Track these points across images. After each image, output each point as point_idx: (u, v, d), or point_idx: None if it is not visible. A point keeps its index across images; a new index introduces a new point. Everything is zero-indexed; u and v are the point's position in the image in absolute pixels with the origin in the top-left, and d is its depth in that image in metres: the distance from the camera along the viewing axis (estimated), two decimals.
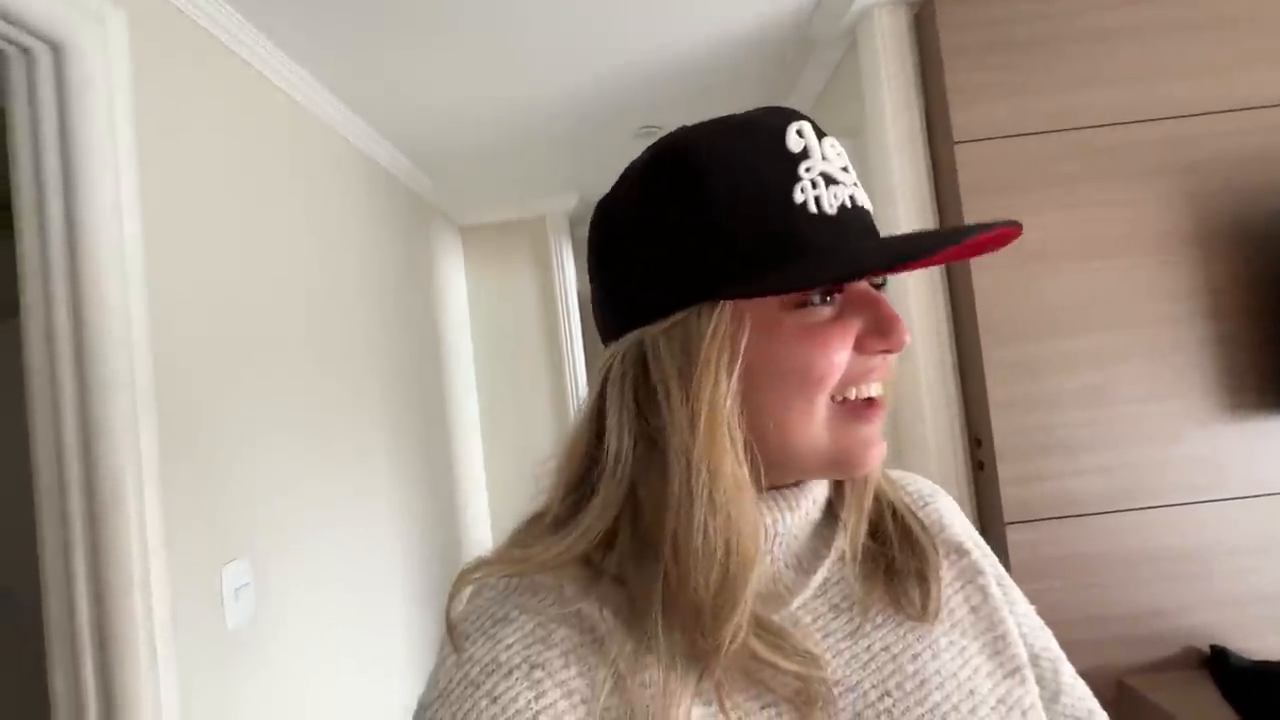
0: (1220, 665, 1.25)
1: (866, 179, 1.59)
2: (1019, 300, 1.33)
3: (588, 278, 0.46)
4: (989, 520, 1.36)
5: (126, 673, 0.90)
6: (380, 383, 1.96)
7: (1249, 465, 1.31)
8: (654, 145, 0.42)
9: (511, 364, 3.06)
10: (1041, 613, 0.51)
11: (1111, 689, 1.29)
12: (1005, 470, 1.32)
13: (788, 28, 1.62)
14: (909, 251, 0.38)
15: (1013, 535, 1.31)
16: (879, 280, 0.43)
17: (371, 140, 2.01)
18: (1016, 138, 1.34)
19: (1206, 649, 1.29)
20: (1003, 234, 0.40)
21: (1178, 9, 1.33)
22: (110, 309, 0.95)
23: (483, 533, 2.90)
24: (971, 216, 1.33)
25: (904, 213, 1.40)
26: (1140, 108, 1.33)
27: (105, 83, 0.99)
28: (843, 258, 0.38)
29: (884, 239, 0.41)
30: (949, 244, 0.37)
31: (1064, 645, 0.50)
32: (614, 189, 0.44)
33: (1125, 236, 1.33)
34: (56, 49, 0.96)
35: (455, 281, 2.95)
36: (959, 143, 1.34)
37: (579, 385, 2.99)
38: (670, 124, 0.43)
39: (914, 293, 1.41)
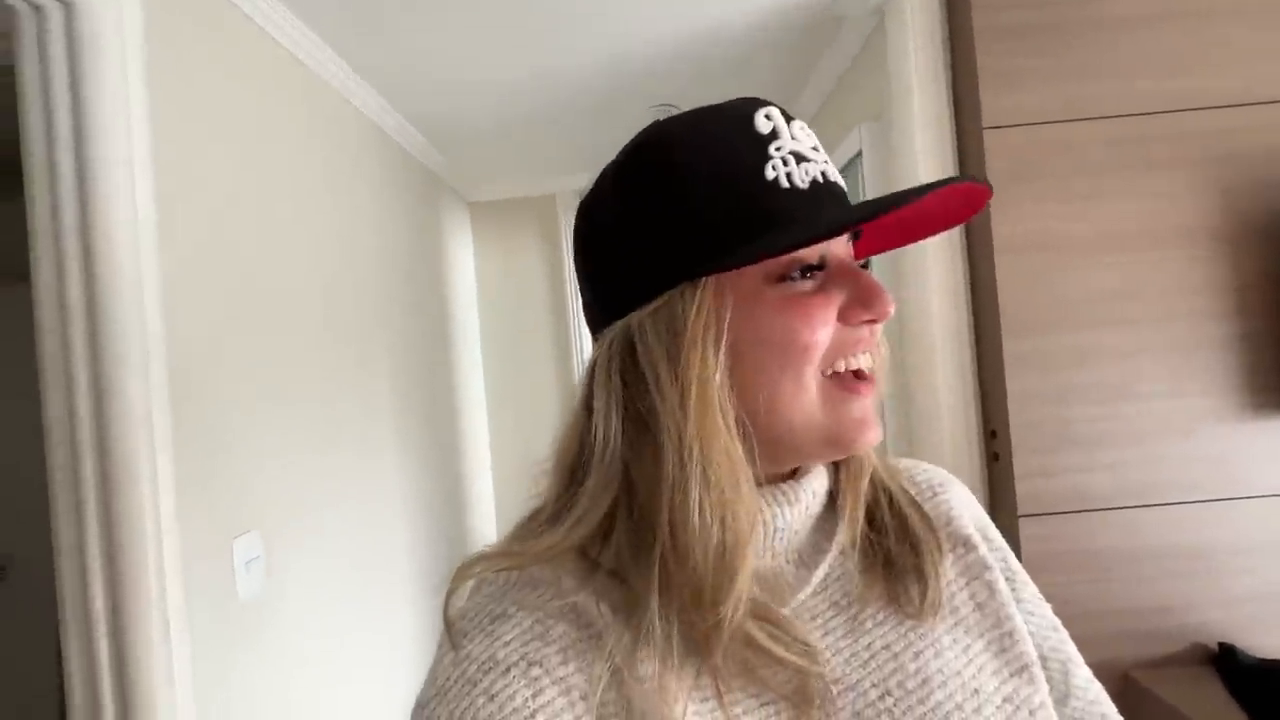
0: (1228, 663, 1.24)
1: (889, 162, 1.56)
2: (1042, 292, 1.31)
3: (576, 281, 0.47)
4: (1002, 513, 1.36)
5: (139, 641, 0.89)
6: (388, 358, 1.95)
7: (1267, 464, 1.30)
8: (629, 142, 0.43)
9: (517, 342, 3.05)
10: (1051, 606, 0.50)
11: (1117, 682, 1.30)
12: (1020, 463, 1.31)
13: (812, 4, 1.58)
14: (873, 209, 0.38)
15: (1025, 528, 1.30)
16: (863, 261, 0.44)
17: (382, 111, 1.97)
18: (1047, 124, 1.31)
19: (1215, 646, 1.29)
20: (975, 196, 0.41)
21: None
22: (122, 268, 0.93)
23: (486, 509, 2.90)
24: (998, 204, 1.31)
25: None
26: (1176, 98, 1.30)
27: (117, 40, 0.96)
28: (812, 224, 0.38)
29: (853, 205, 0.41)
30: (910, 200, 0.37)
31: (1072, 638, 0.48)
32: (594, 188, 0.44)
33: (1153, 229, 1.30)
34: (67, 5, 0.94)
35: (463, 258, 2.93)
36: (988, 128, 1.31)
37: (584, 365, 2.98)
38: (686, 102, 0.43)
39: (935, 282, 1.38)
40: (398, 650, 1.84)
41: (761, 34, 1.69)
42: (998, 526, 0.52)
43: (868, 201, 0.39)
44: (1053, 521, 1.31)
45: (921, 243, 1.38)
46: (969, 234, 1.40)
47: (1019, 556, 1.30)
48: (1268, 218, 1.29)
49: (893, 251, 1.62)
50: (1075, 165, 1.31)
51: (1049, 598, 0.50)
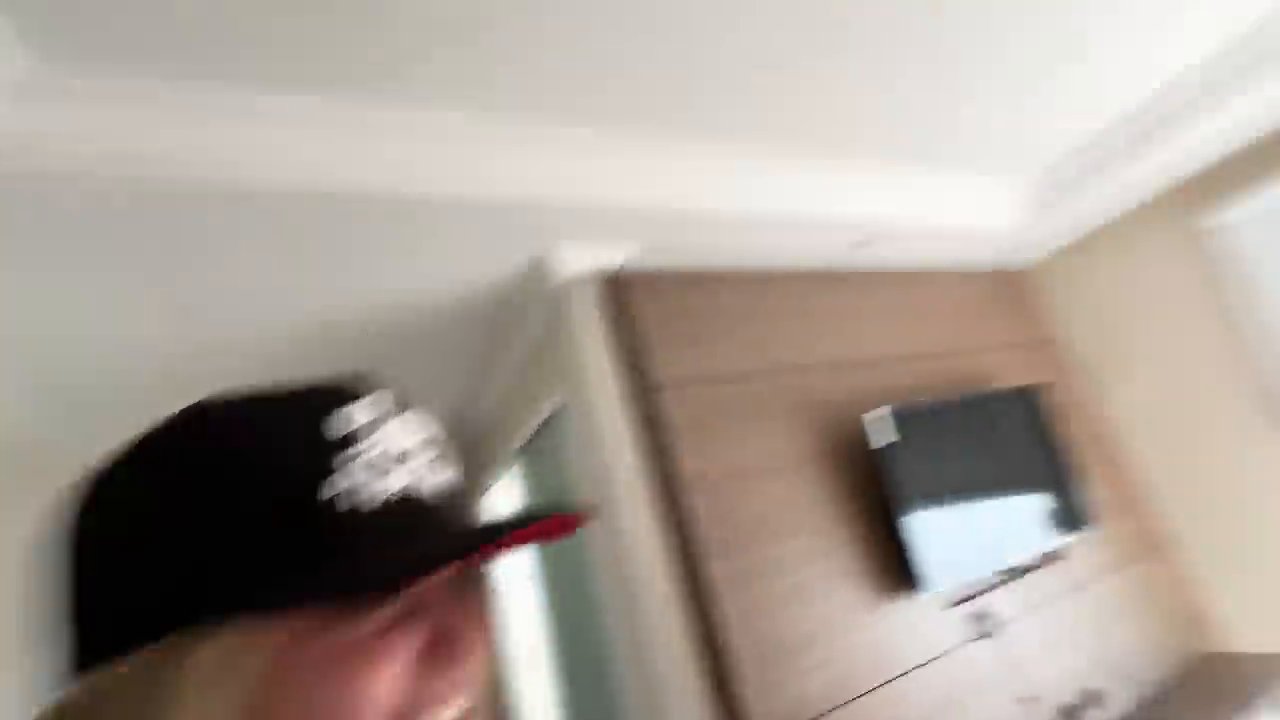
0: None
1: (581, 422, 1.70)
2: (730, 514, 1.50)
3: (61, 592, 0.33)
4: None
5: None
6: None
7: (908, 639, 1.57)
8: (169, 416, 0.34)
9: None
10: None
11: None
12: (751, 680, 1.35)
13: (499, 288, 1.76)
14: (425, 562, 0.32)
15: None
16: (477, 571, 0.37)
17: None
18: (710, 383, 1.63)
19: None
20: (563, 523, 0.37)
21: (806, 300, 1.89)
22: None
23: None
24: (682, 453, 1.52)
25: (615, 457, 1.52)
26: (791, 364, 1.77)
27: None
28: (355, 565, 0.31)
29: (429, 538, 0.34)
30: (485, 541, 0.33)
31: None
32: (112, 462, 0.33)
33: (789, 456, 1.66)
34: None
35: None
36: (659, 389, 1.57)
37: None
38: (383, 370, 0.41)
39: (637, 523, 1.48)
40: None
41: (455, 310, 1.83)
42: None
43: (426, 549, 0.33)
44: None
45: (614, 497, 1.48)
46: (660, 475, 1.57)
47: None
48: (848, 445, 1.76)
49: (597, 509, 1.66)
50: (732, 414, 1.64)
51: None
